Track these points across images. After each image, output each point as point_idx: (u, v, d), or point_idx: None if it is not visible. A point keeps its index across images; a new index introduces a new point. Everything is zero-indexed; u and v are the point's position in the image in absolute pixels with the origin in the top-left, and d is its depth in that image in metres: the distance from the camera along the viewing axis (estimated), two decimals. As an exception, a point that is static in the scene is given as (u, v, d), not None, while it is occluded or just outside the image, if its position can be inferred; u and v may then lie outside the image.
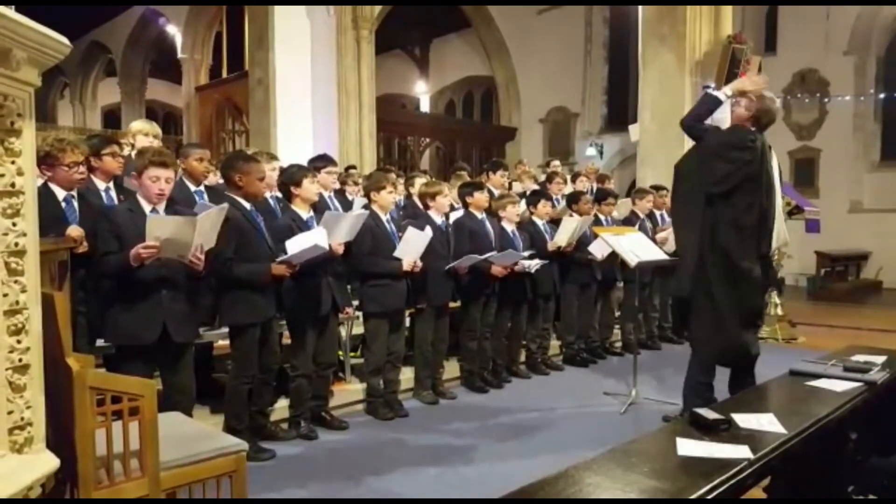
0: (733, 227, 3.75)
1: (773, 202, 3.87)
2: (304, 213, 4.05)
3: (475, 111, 18.30)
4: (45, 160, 3.39)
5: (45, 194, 3.32)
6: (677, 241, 4.16)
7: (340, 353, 4.80)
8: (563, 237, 5.54)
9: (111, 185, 3.87)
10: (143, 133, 4.51)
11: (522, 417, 4.54)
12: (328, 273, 4.08)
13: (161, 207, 3.20)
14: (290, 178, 4.08)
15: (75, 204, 3.52)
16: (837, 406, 2.49)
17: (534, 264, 5.13)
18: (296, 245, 3.67)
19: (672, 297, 4.03)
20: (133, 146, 4.37)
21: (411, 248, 4.40)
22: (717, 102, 3.89)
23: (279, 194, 4.80)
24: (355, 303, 4.64)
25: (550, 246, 5.53)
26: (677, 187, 4.10)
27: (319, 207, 4.31)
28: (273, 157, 4.80)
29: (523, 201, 5.88)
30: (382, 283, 4.42)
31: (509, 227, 5.29)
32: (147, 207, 3.16)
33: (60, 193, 3.46)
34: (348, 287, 4.53)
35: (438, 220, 4.83)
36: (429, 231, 4.52)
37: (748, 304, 3.84)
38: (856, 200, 12.95)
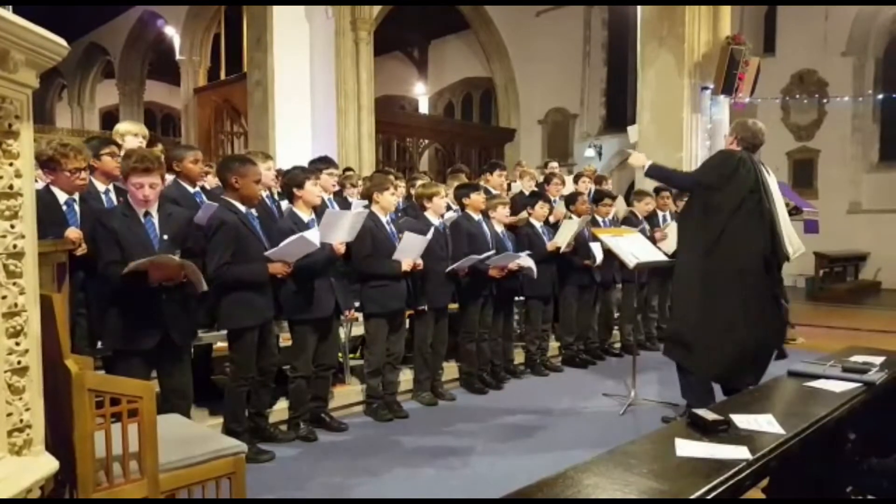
0: (745, 244, 3.85)
1: (773, 210, 3.93)
2: (306, 215, 4.05)
3: (474, 113, 18.30)
4: (48, 164, 3.40)
5: (46, 197, 3.32)
6: (677, 288, 4.23)
7: (340, 354, 4.80)
8: (563, 238, 5.54)
9: (111, 186, 3.87)
10: (131, 133, 4.41)
11: (521, 418, 4.54)
12: (331, 274, 4.08)
13: (154, 209, 3.20)
14: (293, 180, 4.08)
15: (76, 207, 3.52)
16: (836, 407, 2.48)
17: (527, 265, 5.12)
18: (286, 241, 3.67)
19: (673, 331, 4.17)
20: (121, 147, 4.28)
21: (409, 251, 4.41)
22: (652, 168, 4.29)
23: (275, 194, 4.82)
24: (356, 304, 4.63)
25: (550, 246, 5.54)
26: (682, 230, 4.23)
27: (319, 210, 4.31)
28: (268, 157, 4.78)
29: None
30: (382, 283, 4.42)
31: (499, 228, 5.31)
32: (140, 211, 3.16)
33: (62, 196, 3.46)
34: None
35: (435, 221, 4.83)
36: (428, 234, 4.51)
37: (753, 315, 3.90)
38: (854, 201, 12.96)
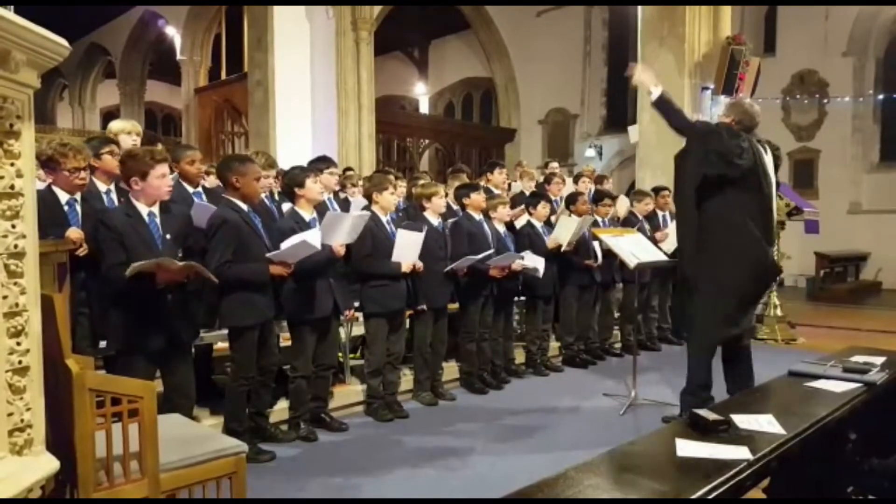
0: (745, 213, 3.85)
1: (772, 193, 3.97)
2: (307, 214, 4.05)
3: (474, 113, 18.31)
4: (48, 164, 3.40)
5: (48, 197, 3.32)
6: (678, 228, 4.23)
7: (340, 354, 4.80)
8: (562, 234, 5.54)
9: (112, 186, 3.86)
10: (125, 132, 4.34)
11: (521, 419, 4.54)
12: (330, 275, 4.09)
13: (156, 209, 3.20)
14: (294, 180, 4.08)
15: (77, 207, 3.52)
16: (837, 407, 2.49)
17: (533, 265, 5.13)
18: (288, 244, 3.67)
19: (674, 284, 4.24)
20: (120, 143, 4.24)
21: (406, 250, 4.41)
22: (661, 98, 4.11)
23: (275, 194, 4.82)
24: (356, 304, 4.63)
25: (550, 243, 5.55)
26: (679, 177, 4.15)
27: (319, 209, 4.31)
28: (271, 165, 4.78)
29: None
30: (382, 283, 4.42)
31: (500, 228, 5.30)
32: (144, 210, 3.16)
33: (63, 196, 3.46)
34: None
35: (434, 221, 4.83)
36: (422, 230, 4.51)
37: (753, 287, 3.99)
38: (855, 201, 12.96)
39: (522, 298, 5.75)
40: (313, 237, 3.69)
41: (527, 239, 5.51)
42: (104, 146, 3.85)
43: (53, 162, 3.39)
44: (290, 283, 3.89)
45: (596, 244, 5.75)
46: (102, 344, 3.42)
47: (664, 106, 4.12)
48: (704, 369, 4.02)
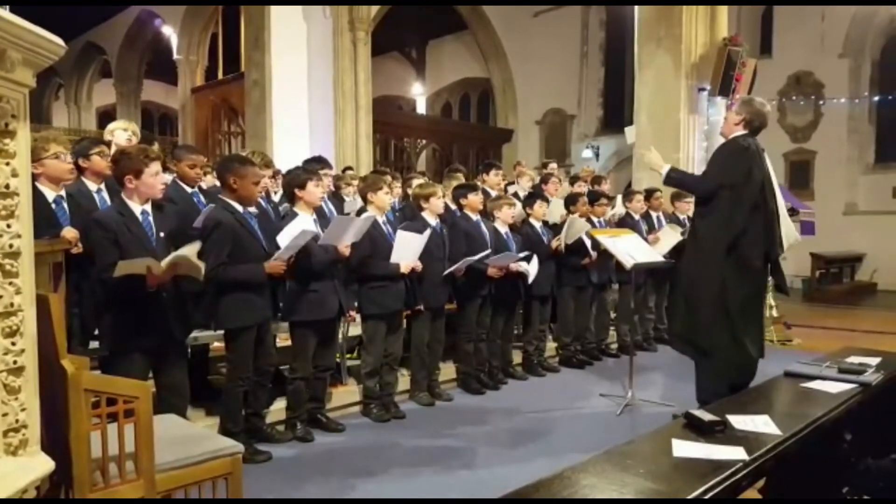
0: (757, 240, 3.81)
1: (774, 203, 3.90)
2: (307, 215, 4.04)
3: (472, 113, 18.32)
4: (32, 157, 3.38)
5: (34, 196, 3.30)
6: (694, 294, 4.03)
7: (337, 355, 4.79)
8: (571, 237, 5.53)
9: (103, 186, 3.85)
10: (121, 129, 4.36)
11: (518, 419, 4.55)
12: (335, 276, 4.08)
13: (149, 207, 3.19)
14: (295, 180, 4.07)
15: (65, 205, 3.50)
16: (832, 407, 2.50)
17: (532, 271, 5.12)
18: (285, 237, 3.66)
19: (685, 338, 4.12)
20: (110, 145, 4.25)
21: (406, 251, 4.40)
22: (668, 177, 4.14)
23: (272, 195, 4.81)
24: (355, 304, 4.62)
25: (555, 243, 5.53)
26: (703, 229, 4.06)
27: (318, 210, 4.30)
28: (267, 165, 4.77)
29: (519, 204, 5.89)
30: (381, 284, 4.42)
31: (503, 229, 5.28)
32: (137, 209, 3.14)
33: (50, 195, 3.44)
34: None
35: (432, 221, 4.82)
36: (426, 233, 4.50)
37: (753, 309, 3.96)
38: (850, 202, 12.99)
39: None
40: (307, 224, 3.70)
41: (526, 239, 5.50)
42: (94, 147, 3.84)
43: (36, 153, 3.37)
44: (295, 285, 3.88)
45: (586, 239, 5.70)
46: (94, 344, 3.41)
47: (678, 180, 4.24)
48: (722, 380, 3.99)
